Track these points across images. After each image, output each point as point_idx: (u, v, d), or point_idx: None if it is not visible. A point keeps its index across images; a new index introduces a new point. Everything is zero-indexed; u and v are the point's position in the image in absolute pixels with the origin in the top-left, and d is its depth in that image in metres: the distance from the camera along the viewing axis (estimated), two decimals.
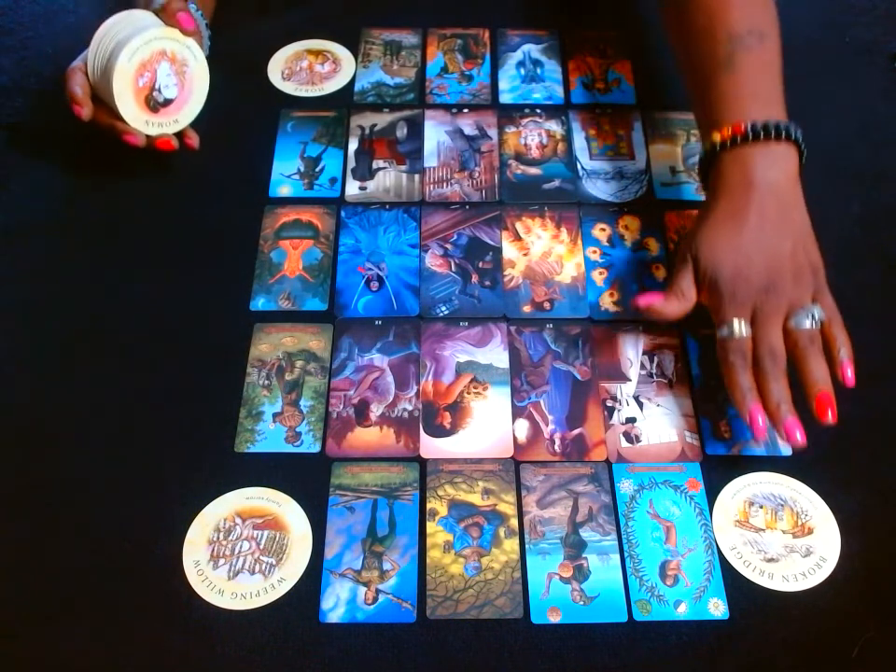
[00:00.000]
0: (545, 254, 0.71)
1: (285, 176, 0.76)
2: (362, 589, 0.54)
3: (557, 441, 0.61)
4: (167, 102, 0.72)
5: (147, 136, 0.71)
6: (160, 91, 0.71)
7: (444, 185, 0.75)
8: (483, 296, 0.68)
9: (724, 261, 0.57)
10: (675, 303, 0.59)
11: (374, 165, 0.76)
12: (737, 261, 0.57)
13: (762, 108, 0.60)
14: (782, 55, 0.63)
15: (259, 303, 0.68)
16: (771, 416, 0.55)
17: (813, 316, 0.56)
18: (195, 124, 0.74)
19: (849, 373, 0.56)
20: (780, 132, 0.58)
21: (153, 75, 0.70)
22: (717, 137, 0.60)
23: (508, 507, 0.58)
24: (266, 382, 0.63)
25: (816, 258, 0.59)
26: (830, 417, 0.54)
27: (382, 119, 0.80)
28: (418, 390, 0.63)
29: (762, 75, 0.62)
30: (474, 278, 0.69)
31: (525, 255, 0.71)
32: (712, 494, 0.59)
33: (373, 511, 0.58)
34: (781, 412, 0.55)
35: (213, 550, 0.56)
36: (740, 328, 0.56)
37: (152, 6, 0.71)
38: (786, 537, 0.57)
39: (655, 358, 0.65)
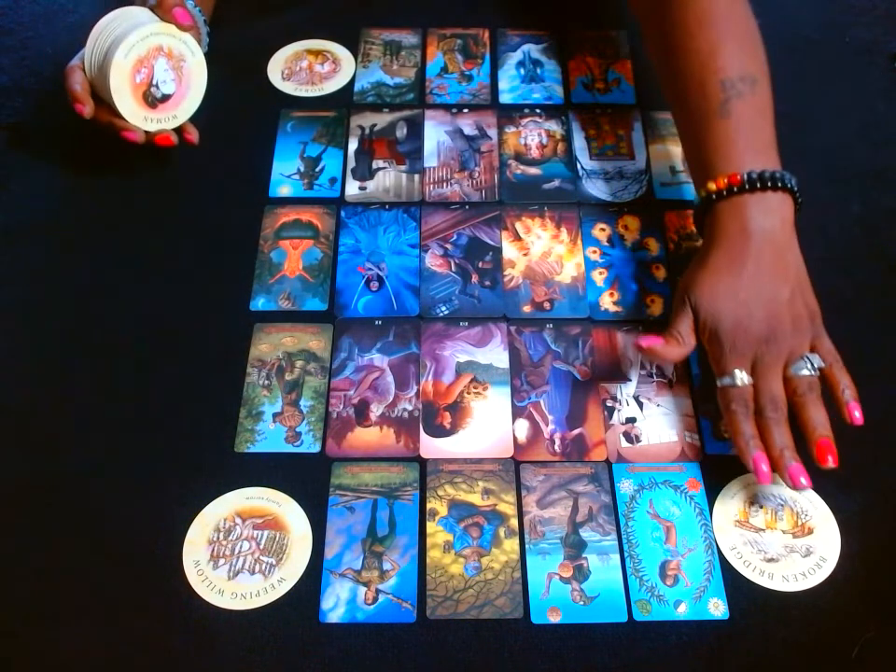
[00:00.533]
0: (545, 254, 0.71)
1: (285, 176, 0.76)
2: (362, 589, 0.55)
3: (557, 441, 0.61)
4: (165, 97, 0.72)
5: (147, 132, 0.71)
6: (157, 86, 0.71)
7: (444, 185, 0.75)
8: (483, 296, 0.68)
9: (724, 312, 0.58)
10: (675, 349, 0.59)
11: (374, 165, 0.76)
12: (737, 312, 0.57)
13: (757, 157, 0.60)
14: (773, 98, 0.63)
15: (259, 303, 0.68)
16: (775, 462, 0.55)
17: (812, 364, 0.57)
18: (194, 120, 0.74)
19: (857, 414, 0.56)
20: (776, 181, 0.58)
21: (150, 70, 0.70)
22: (713, 186, 0.60)
23: (508, 507, 0.58)
24: (266, 382, 0.63)
25: (812, 303, 0.59)
26: (831, 462, 0.54)
27: (382, 119, 0.80)
28: (418, 390, 0.63)
29: (755, 122, 0.62)
30: (474, 278, 0.69)
31: (524, 255, 0.71)
32: (712, 494, 0.59)
33: (373, 511, 0.58)
34: (785, 458, 0.55)
35: (213, 550, 0.56)
36: (742, 377, 0.57)
37: (148, 2, 0.71)
38: (786, 537, 0.57)
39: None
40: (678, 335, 0.59)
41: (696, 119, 0.63)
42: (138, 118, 0.70)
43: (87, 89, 0.70)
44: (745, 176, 0.58)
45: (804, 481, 0.54)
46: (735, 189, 0.59)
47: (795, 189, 0.59)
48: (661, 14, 0.68)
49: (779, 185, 0.59)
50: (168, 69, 0.71)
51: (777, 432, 0.56)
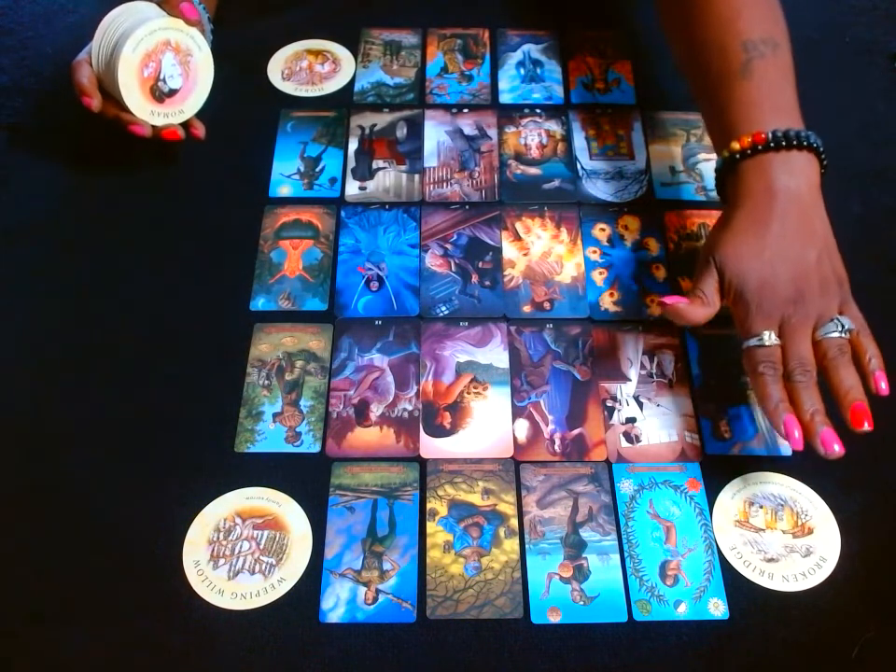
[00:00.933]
0: (545, 254, 0.71)
1: (285, 176, 0.76)
2: (362, 589, 0.55)
3: (557, 441, 0.61)
4: (172, 92, 0.72)
5: (153, 127, 0.71)
6: (164, 81, 0.71)
7: (444, 185, 0.75)
8: (483, 296, 0.68)
9: (750, 272, 0.56)
10: (700, 308, 0.58)
11: (374, 165, 0.76)
12: (763, 271, 0.56)
13: (780, 116, 0.59)
14: (795, 65, 0.62)
15: (259, 303, 0.68)
16: (805, 427, 0.53)
17: (842, 326, 0.55)
18: (198, 117, 0.74)
19: (883, 385, 0.54)
20: (801, 140, 0.58)
21: (158, 65, 0.70)
22: (736, 146, 0.59)
23: (508, 507, 0.58)
24: (266, 382, 0.63)
25: (840, 268, 0.58)
26: (866, 426, 0.53)
27: (382, 119, 0.80)
28: (418, 390, 0.63)
29: (778, 82, 0.61)
30: (474, 278, 0.69)
31: (524, 255, 0.71)
32: (712, 494, 0.59)
33: (373, 511, 0.58)
34: (816, 423, 0.53)
35: (213, 550, 0.56)
36: (770, 337, 0.55)
37: None
38: (786, 537, 0.57)
39: (655, 358, 0.65)
40: (702, 295, 0.58)
41: (717, 82, 0.62)
42: (145, 112, 0.71)
43: (94, 82, 0.70)
44: (770, 135, 0.57)
45: (836, 447, 0.52)
46: (760, 147, 0.58)
47: (821, 148, 0.58)
48: None
49: (805, 144, 0.58)
50: (175, 64, 0.71)
51: (806, 396, 0.54)
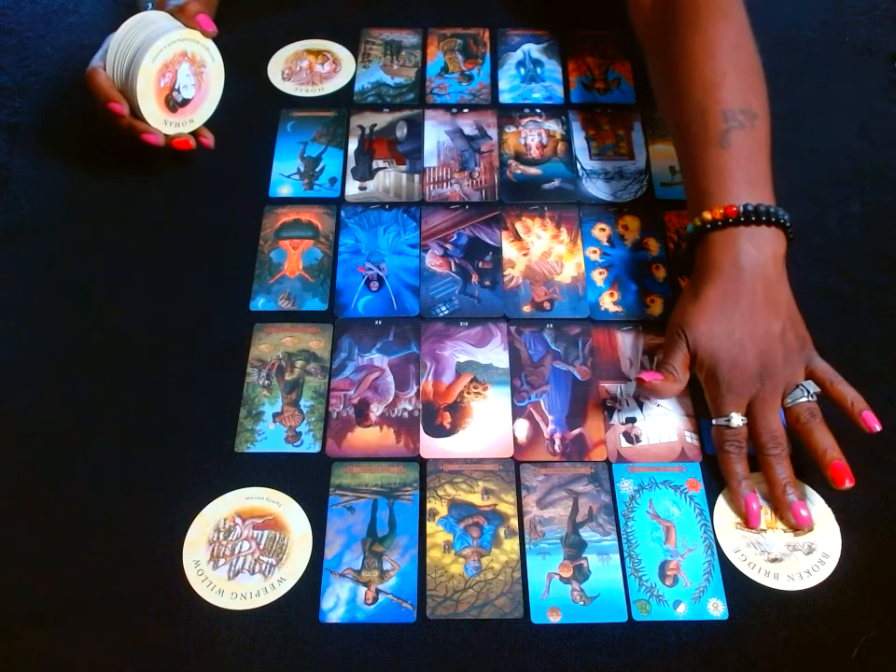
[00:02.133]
0: (545, 254, 0.71)
1: (285, 176, 0.76)
2: (362, 589, 0.55)
3: (557, 441, 0.61)
4: (185, 102, 0.72)
5: (165, 136, 0.72)
6: (179, 91, 0.72)
7: (444, 185, 0.75)
8: (483, 296, 0.68)
9: (721, 353, 0.58)
10: (672, 385, 0.59)
11: (374, 165, 0.76)
12: (733, 352, 0.58)
13: (752, 190, 0.60)
14: (771, 134, 0.63)
15: (259, 303, 0.68)
16: (778, 500, 0.57)
17: (808, 391, 0.57)
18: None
19: (875, 424, 0.56)
20: (770, 217, 0.59)
21: (174, 75, 0.71)
22: (707, 216, 0.60)
23: (508, 507, 0.58)
24: (266, 382, 0.63)
25: (803, 331, 0.60)
26: (847, 483, 0.55)
27: (382, 119, 0.80)
28: (418, 390, 0.63)
29: (753, 155, 0.62)
30: (474, 278, 0.69)
31: (524, 255, 0.71)
32: (712, 494, 0.59)
33: (373, 511, 0.58)
34: (787, 495, 0.56)
35: (213, 550, 0.56)
36: (737, 419, 0.58)
37: (166, 7, 0.71)
38: (787, 535, 0.57)
39: (655, 358, 0.65)
40: (673, 371, 0.59)
41: (696, 146, 0.63)
42: (159, 121, 0.71)
43: (115, 89, 0.70)
44: (741, 209, 0.59)
45: (804, 512, 0.56)
46: (731, 220, 0.59)
47: (788, 225, 0.60)
48: (669, 40, 0.68)
49: (773, 220, 0.59)
50: (190, 74, 0.72)
51: (779, 469, 0.57)
